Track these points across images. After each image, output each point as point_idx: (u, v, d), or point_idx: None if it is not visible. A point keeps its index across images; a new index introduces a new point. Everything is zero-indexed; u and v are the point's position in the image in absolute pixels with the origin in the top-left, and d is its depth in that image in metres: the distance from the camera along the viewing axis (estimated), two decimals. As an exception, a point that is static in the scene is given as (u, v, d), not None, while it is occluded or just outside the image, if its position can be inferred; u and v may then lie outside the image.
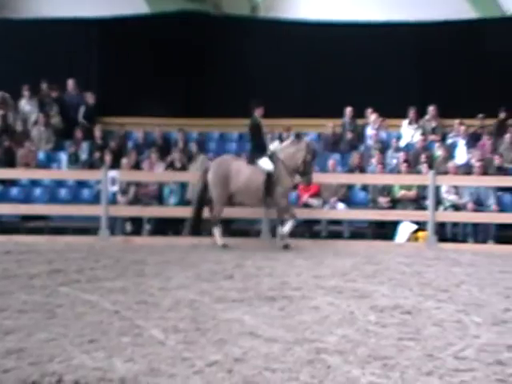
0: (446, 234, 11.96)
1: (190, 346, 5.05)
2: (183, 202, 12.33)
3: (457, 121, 14.42)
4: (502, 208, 12.28)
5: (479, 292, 7.35)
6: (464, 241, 11.86)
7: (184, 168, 12.97)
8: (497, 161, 12.95)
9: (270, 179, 10.46)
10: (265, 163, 10.56)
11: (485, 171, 12.52)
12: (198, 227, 10.91)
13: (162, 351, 4.92)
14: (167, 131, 15.03)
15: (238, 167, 10.62)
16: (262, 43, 15.73)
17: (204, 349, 4.99)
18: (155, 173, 12.87)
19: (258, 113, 10.77)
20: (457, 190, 12.41)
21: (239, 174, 10.54)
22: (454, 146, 13.99)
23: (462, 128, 14.19)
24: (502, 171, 12.84)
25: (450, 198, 12.31)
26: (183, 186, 12.54)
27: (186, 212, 11.18)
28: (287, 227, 10.63)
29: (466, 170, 12.80)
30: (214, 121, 15.64)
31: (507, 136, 13.81)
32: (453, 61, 15.43)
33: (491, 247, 11.42)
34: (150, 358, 4.74)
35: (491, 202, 12.14)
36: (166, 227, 12.24)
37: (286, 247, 10.57)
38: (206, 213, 10.89)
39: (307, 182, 11.04)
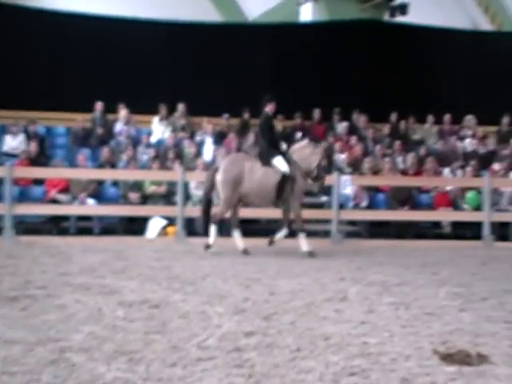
0: (194, 228, 12.35)
1: None
2: None
3: (205, 119, 14.99)
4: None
5: (223, 283, 7.71)
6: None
7: None
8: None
9: (284, 181, 9.84)
10: (280, 164, 9.90)
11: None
12: (208, 226, 10.17)
13: None
14: None
15: (251, 167, 9.92)
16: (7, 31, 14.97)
17: None
18: None
19: (269, 109, 10.10)
20: (205, 185, 12.87)
21: (253, 174, 9.87)
22: (202, 143, 14.50)
23: (210, 126, 14.77)
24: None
25: (198, 193, 12.72)
26: None
27: None
28: (303, 244, 10.05)
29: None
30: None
31: (250, 135, 14.65)
32: (202, 61, 15.98)
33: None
34: None
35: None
36: None
37: (312, 254, 10.00)
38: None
39: (320, 188, 10.51)
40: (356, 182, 12.76)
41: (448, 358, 4.88)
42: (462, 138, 15.33)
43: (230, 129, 15.15)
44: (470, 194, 13.16)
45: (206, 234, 10.20)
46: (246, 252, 10.11)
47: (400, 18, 18.37)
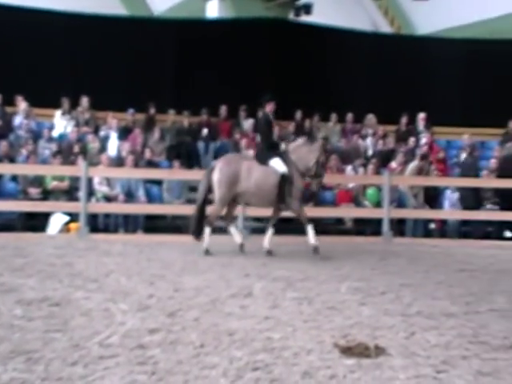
0: (98, 224, 12.14)
1: None
2: None
3: (110, 114, 14.73)
4: (150, 199, 12.89)
5: (127, 280, 7.61)
6: (115, 231, 12.18)
7: None
8: (147, 154, 13.54)
9: (283, 181, 9.67)
10: (277, 164, 9.75)
11: (136, 164, 13.01)
12: (201, 228, 9.86)
13: None
14: None
15: (248, 167, 9.74)
16: None
17: None
18: None
19: (268, 109, 9.95)
20: (109, 181, 12.66)
21: (250, 175, 9.70)
22: (106, 138, 14.24)
23: (114, 121, 14.53)
24: (151, 164, 13.48)
25: (102, 189, 12.50)
26: None
27: None
28: (312, 236, 9.81)
29: (118, 162, 13.14)
30: None
31: (156, 130, 14.52)
32: (106, 55, 15.69)
33: (140, 237, 11.92)
34: None
35: (141, 193, 12.67)
36: None
37: (316, 251, 9.81)
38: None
39: (318, 185, 10.25)
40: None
41: (348, 350, 5.01)
42: (363, 137, 15.76)
43: (136, 124, 14.96)
44: (370, 191, 13.57)
45: (197, 235, 9.92)
46: (241, 248, 10.04)
47: (304, 18, 18.67)
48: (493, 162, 14.14)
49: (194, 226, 9.89)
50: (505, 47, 17.76)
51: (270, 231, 10.10)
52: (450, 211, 13.46)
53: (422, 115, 15.73)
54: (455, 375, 4.59)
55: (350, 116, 16.20)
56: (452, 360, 4.92)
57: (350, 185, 13.74)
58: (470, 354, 5.07)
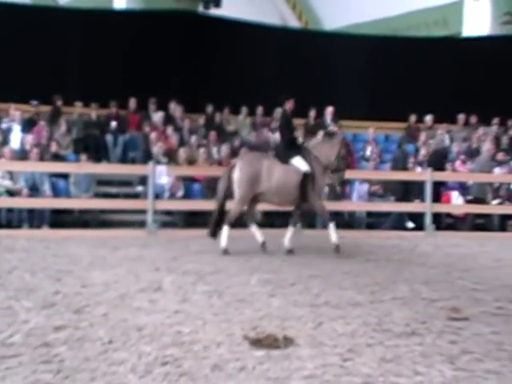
0: (0, 220, 11.73)
1: None
2: None
3: (12, 105, 14.23)
4: (57, 193, 12.55)
5: (31, 277, 7.39)
6: (19, 226, 11.80)
7: None
8: (53, 147, 13.18)
9: (306, 180, 9.54)
10: (299, 163, 9.61)
11: (41, 157, 12.64)
12: (219, 228, 9.61)
13: None
14: None
15: (269, 166, 9.59)
16: None
17: None
18: None
19: (288, 106, 9.82)
20: (12, 175, 12.25)
21: (270, 175, 9.55)
22: (8, 130, 13.75)
23: (18, 113, 14.05)
24: (58, 158, 13.13)
25: (4, 183, 12.08)
26: None
27: None
28: (333, 234, 9.73)
29: (22, 155, 12.73)
30: None
31: (62, 123, 14.15)
32: (9, 44, 15.16)
33: (46, 232, 11.60)
34: None
35: (46, 187, 12.32)
36: None
37: (337, 249, 9.75)
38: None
39: (340, 180, 10.14)
40: (172, 172, 12.79)
41: (257, 342, 5.05)
42: (273, 130, 15.90)
43: (40, 116, 14.51)
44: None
45: (214, 235, 9.69)
46: (263, 246, 9.84)
47: (214, 11, 18.63)
48: (422, 155, 14.63)
49: (212, 226, 9.69)
50: (406, 43, 18.37)
51: (290, 230, 9.95)
52: (357, 203, 13.79)
53: (329, 109, 16.01)
54: (360, 363, 4.70)
55: (260, 109, 16.30)
56: (357, 348, 5.04)
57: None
58: (374, 342, 5.21)
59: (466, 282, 7.93)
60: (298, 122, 16.23)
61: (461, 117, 16.86)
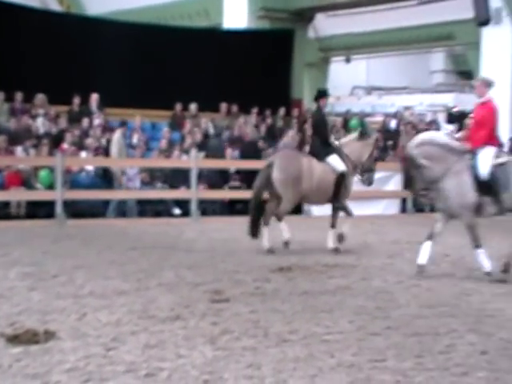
0: None
1: None
2: None
3: None
4: None
5: None
6: None
7: None
8: None
9: (342, 179, 9.48)
10: (336, 162, 9.53)
11: None
12: (258, 226, 9.37)
13: None
14: None
15: (308, 165, 9.45)
16: None
17: None
18: None
19: (322, 104, 9.82)
20: None
21: (311, 173, 9.41)
22: None
23: None
24: None
25: None
26: None
27: None
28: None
29: None
30: None
31: None
32: None
33: None
34: None
35: None
36: None
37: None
38: None
39: (369, 181, 10.07)
40: None
41: (14, 339, 4.82)
42: (34, 117, 15.19)
43: None
44: (42, 173, 13.17)
45: (255, 234, 9.39)
46: (286, 244, 9.42)
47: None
48: (188, 143, 14.84)
49: (251, 225, 9.43)
50: (169, 33, 18.56)
51: (331, 231, 9.60)
52: (125, 191, 13.66)
53: (94, 96, 15.67)
54: (124, 351, 4.70)
55: (19, 95, 15.43)
56: (122, 336, 5.03)
57: (20, 166, 13.16)
58: (139, 329, 5.23)
59: (228, 264, 8.26)
60: (61, 108, 15.75)
61: (223, 105, 17.45)
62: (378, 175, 14.23)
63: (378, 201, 15.30)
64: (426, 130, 15.64)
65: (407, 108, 22.49)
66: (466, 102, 24.98)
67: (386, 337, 5.21)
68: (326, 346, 4.93)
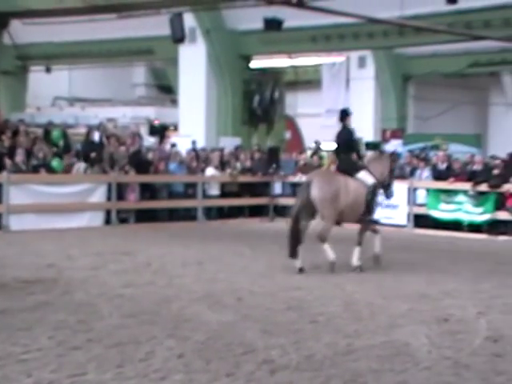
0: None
1: None
2: None
3: None
4: None
5: None
6: None
7: None
8: None
9: (373, 193, 9.77)
10: (365, 177, 9.77)
11: None
12: (297, 247, 9.22)
13: None
14: None
15: (345, 182, 9.56)
16: None
17: None
18: None
19: (347, 122, 9.95)
20: None
21: (347, 190, 9.51)
22: None
23: None
24: None
25: None
26: None
27: None
28: (378, 245, 9.78)
29: None
30: None
31: None
32: None
33: None
34: None
35: None
36: None
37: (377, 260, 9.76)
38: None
39: (390, 195, 10.37)
40: None
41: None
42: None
43: None
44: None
45: (294, 255, 9.23)
46: (332, 265, 9.34)
47: None
48: None
49: (290, 246, 9.30)
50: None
51: (357, 248, 9.59)
52: None
53: None
54: None
55: None
56: None
57: None
58: None
59: None
60: None
61: None
62: (82, 187, 14.67)
63: (82, 213, 15.08)
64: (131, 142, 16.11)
65: (110, 120, 22.61)
66: (166, 115, 26.05)
67: (87, 350, 5.18)
68: (22, 365, 4.73)
